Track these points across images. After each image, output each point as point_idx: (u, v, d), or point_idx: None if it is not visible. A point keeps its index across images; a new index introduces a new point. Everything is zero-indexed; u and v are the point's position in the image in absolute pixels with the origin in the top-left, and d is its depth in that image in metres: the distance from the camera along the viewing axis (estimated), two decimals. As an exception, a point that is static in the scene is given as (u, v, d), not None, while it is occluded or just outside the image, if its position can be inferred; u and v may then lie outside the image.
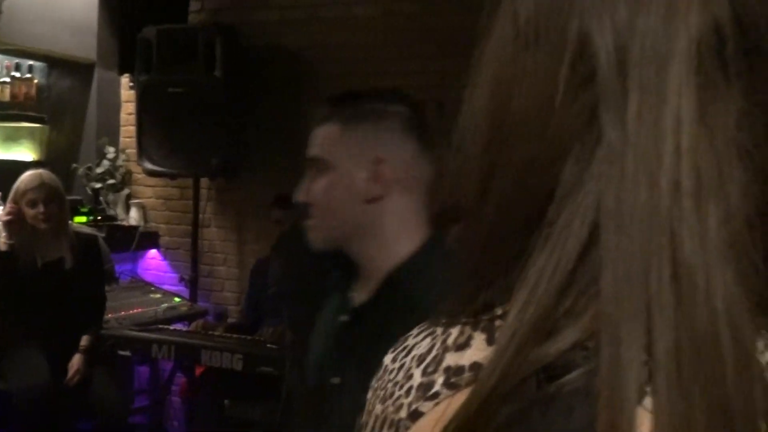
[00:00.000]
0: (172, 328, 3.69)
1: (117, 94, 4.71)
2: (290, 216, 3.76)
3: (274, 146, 4.35)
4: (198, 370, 3.75)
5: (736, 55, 0.43)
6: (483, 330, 0.47)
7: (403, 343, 0.53)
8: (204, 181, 4.30)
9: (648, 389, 0.40)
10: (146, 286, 4.21)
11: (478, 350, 0.47)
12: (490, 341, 0.46)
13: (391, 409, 0.49)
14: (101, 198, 4.48)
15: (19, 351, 3.24)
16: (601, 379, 0.40)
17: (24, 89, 4.28)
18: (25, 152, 4.44)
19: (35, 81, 4.36)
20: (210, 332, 3.51)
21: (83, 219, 4.14)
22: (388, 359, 0.53)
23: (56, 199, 3.35)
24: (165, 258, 4.63)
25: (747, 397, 0.40)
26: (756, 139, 0.44)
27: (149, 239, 4.56)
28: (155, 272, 4.61)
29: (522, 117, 0.46)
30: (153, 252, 4.63)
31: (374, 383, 0.53)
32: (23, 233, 3.29)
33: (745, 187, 0.43)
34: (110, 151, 4.51)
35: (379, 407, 0.51)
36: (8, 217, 3.27)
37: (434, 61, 4.02)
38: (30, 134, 4.46)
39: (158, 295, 4.10)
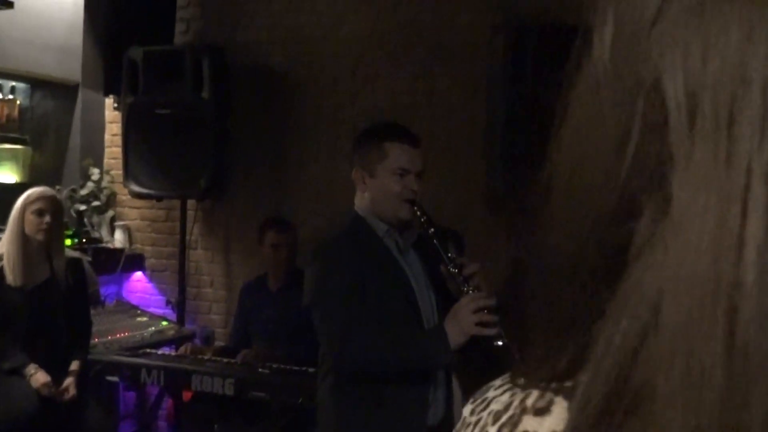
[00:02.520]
0: (159, 352, 3.63)
1: (101, 115, 4.66)
2: (287, 238, 3.73)
3: (261, 167, 4.33)
4: (186, 394, 3.70)
5: None
6: (566, 397, 0.45)
7: (483, 394, 0.51)
8: (191, 203, 4.26)
9: None
10: (132, 309, 4.15)
11: (560, 419, 0.45)
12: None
13: None
14: (86, 220, 4.43)
15: (7, 377, 3.17)
16: None
17: (6, 110, 4.24)
18: (8, 174, 4.37)
19: (18, 102, 4.31)
20: (200, 356, 3.45)
21: (68, 242, 4.07)
22: (467, 411, 0.51)
23: (60, 217, 3.36)
24: (151, 280, 4.57)
25: None
26: None
27: (135, 261, 4.50)
28: (141, 295, 4.55)
29: (597, 165, 0.44)
30: (138, 274, 4.57)
31: None
32: (19, 251, 3.25)
33: None
34: (95, 172, 4.46)
35: None
36: None
37: (421, 79, 4.03)
38: (13, 156, 4.39)
39: (145, 319, 4.04)
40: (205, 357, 3.44)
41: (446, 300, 2.18)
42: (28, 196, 3.30)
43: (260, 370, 3.19)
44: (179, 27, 4.51)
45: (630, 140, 0.42)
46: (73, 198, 4.40)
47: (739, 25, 0.40)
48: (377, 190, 2.21)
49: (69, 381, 3.24)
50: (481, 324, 1.98)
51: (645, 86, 0.42)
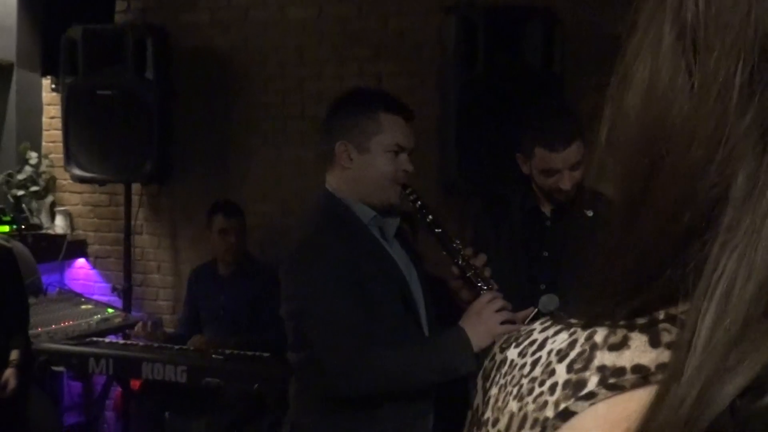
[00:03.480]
0: (107, 340, 3.54)
1: (38, 97, 4.49)
2: (235, 223, 3.68)
3: (206, 149, 4.25)
4: (135, 383, 3.62)
5: None
6: (643, 332, 0.45)
7: (527, 337, 0.50)
8: (135, 187, 4.15)
9: None
10: (76, 298, 4.03)
11: (641, 352, 0.45)
12: (654, 344, 0.45)
13: (531, 407, 0.47)
14: (24, 206, 4.27)
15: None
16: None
17: (-65, 91, 4.04)
18: (-62, 158, 4.19)
19: (-52, 83, 4.12)
20: (151, 341, 3.38)
21: (5, 228, 3.93)
22: (512, 354, 0.50)
23: None
24: (94, 267, 4.45)
25: None
26: None
27: (77, 248, 4.37)
28: (84, 282, 4.43)
29: (689, 123, 0.43)
30: (81, 261, 4.45)
31: (497, 378, 0.50)
32: None
33: None
34: (32, 156, 4.30)
35: (514, 404, 0.48)
36: None
37: (370, 64, 4.01)
38: (-57, 140, 4.21)
39: (89, 306, 3.93)
40: (156, 344, 3.37)
41: (430, 294, 1.98)
42: None
43: (214, 356, 3.15)
44: (119, 5, 4.38)
45: (732, 93, 0.41)
46: (9, 183, 4.24)
47: None
48: (366, 168, 1.91)
49: (9, 372, 3.13)
50: (507, 322, 1.78)
51: (749, 40, 0.41)
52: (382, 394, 1.81)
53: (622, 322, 0.46)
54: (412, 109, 2.01)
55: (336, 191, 1.95)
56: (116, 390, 3.91)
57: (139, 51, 3.86)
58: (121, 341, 3.57)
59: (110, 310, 3.94)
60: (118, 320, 3.89)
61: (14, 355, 3.17)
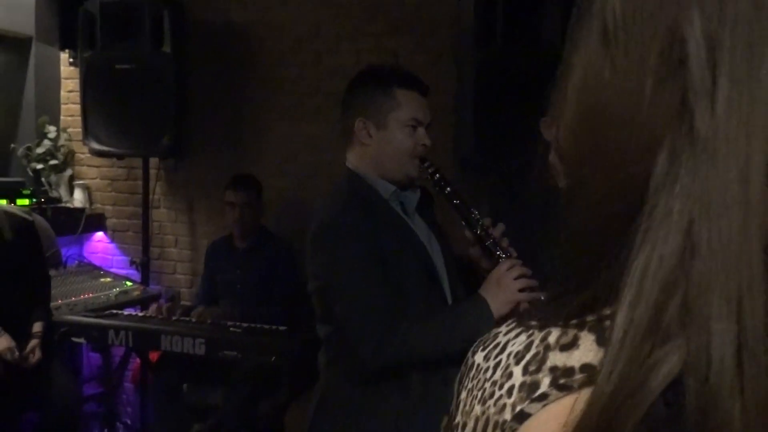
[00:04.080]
0: (126, 313, 3.59)
1: (57, 71, 4.51)
2: (244, 197, 3.70)
3: (224, 124, 4.26)
4: (153, 355, 3.68)
5: None
6: (591, 330, 0.46)
7: (494, 340, 0.52)
8: (153, 161, 4.18)
9: (737, 375, 0.40)
10: (95, 270, 4.08)
11: (588, 351, 0.46)
12: (600, 342, 0.45)
13: (493, 409, 0.48)
14: (43, 179, 4.31)
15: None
16: (691, 365, 0.40)
17: (-45, 65, 4.07)
18: (-42, 132, 4.23)
19: (-33, 56, 4.14)
20: (169, 315, 3.43)
21: (25, 201, 3.97)
22: (479, 357, 0.52)
23: None
24: (113, 241, 4.50)
25: None
26: None
27: (95, 221, 4.41)
28: (103, 255, 4.48)
29: (613, 109, 0.46)
30: (99, 235, 4.49)
31: (466, 382, 0.52)
32: None
33: None
34: (51, 130, 4.33)
35: (478, 408, 0.49)
36: None
37: (387, 39, 3.99)
38: (-36, 113, 4.24)
39: (108, 279, 3.98)
40: (174, 317, 3.41)
41: (454, 267, 2.00)
42: None
43: (231, 329, 3.18)
44: (136, -21, 4.36)
45: (647, 80, 0.44)
46: (29, 156, 4.28)
47: None
48: (385, 144, 1.94)
49: (33, 343, 3.19)
50: (526, 290, 1.78)
51: (661, 29, 0.44)
52: (410, 366, 1.84)
53: (574, 321, 0.47)
54: (427, 84, 2.02)
55: (356, 168, 1.98)
56: (135, 361, 3.97)
57: (156, 25, 3.85)
58: (140, 314, 3.61)
59: (128, 283, 3.99)
60: (136, 293, 3.93)
61: (37, 327, 3.23)
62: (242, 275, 3.72)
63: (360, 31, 4.04)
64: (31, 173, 4.28)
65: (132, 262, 4.22)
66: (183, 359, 3.30)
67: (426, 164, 1.96)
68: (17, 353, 3.11)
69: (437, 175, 1.95)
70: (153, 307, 3.56)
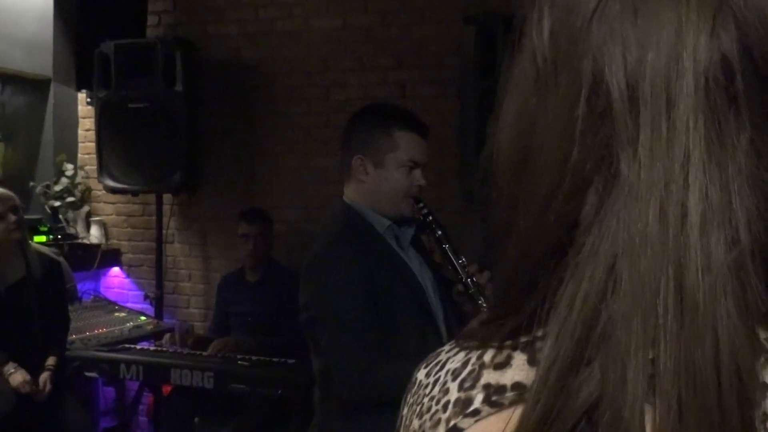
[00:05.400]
0: (138, 347, 3.64)
1: (74, 110, 4.63)
2: (256, 229, 3.76)
3: (235, 159, 4.33)
4: (166, 388, 3.71)
5: (747, 86, 0.45)
6: (523, 351, 0.49)
7: (436, 358, 0.54)
8: (167, 197, 4.26)
9: (648, 411, 0.42)
10: (110, 305, 4.15)
11: (520, 370, 0.48)
12: (531, 362, 0.48)
13: (428, 423, 0.50)
14: (60, 216, 4.40)
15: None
16: (606, 403, 0.42)
17: (-23, 107, 4.19)
18: (-20, 171, 4.34)
19: (-12, 98, 4.27)
20: (182, 347, 3.47)
21: (43, 238, 4.06)
22: (421, 374, 0.54)
23: (19, 209, 3.30)
24: (128, 276, 4.57)
25: (743, 423, 0.42)
26: None
27: (111, 257, 4.49)
28: (118, 290, 4.55)
29: (543, 151, 0.48)
30: (115, 270, 4.57)
31: (408, 398, 0.54)
32: None
33: (754, 213, 0.45)
34: (68, 168, 4.44)
35: (416, 422, 0.51)
36: None
37: (394, 73, 4.06)
38: (-15, 153, 4.36)
39: (123, 314, 4.04)
40: (186, 347, 3.46)
41: (448, 300, 2.01)
42: None
43: (239, 362, 3.21)
44: (151, 20, 4.49)
45: (576, 126, 0.47)
46: (47, 194, 4.38)
47: (670, 22, 0.46)
48: (381, 182, 1.97)
49: (45, 376, 3.24)
50: None
51: (587, 78, 0.47)
52: (386, 405, 1.84)
53: (508, 342, 0.50)
54: (426, 125, 2.05)
55: (353, 202, 2.01)
56: (149, 395, 4.01)
57: (169, 64, 3.96)
58: (152, 347, 3.65)
59: (143, 318, 4.05)
60: (150, 327, 3.99)
61: (51, 360, 3.29)
62: (253, 308, 3.76)
63: (367, 65, 4.11)
64: (49, 210, 4.37)
65: (146, 297, 4.28)
66: (194, 392, 3.34)
67: (420, 205, 1.99)
68: (33, 386, 3.16)
69: (430, 217, 1.97)
70: (166, 336, 3.60)
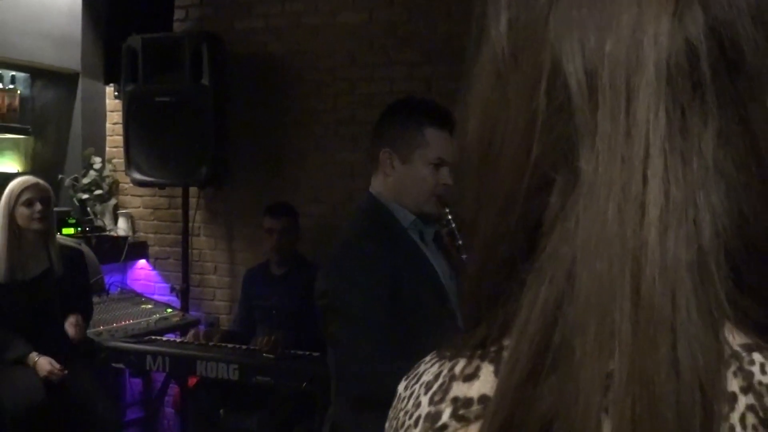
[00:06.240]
0: (165, 338, 3.67)
1: (102, 104, 4.68)
2: (281, 223, 3.77)
3: (261, 153, 4.35)
4: (192, 380, 3.74)
5: (714, 73, 0.42)
6: (491, 361, 0.47)
7: (416, 370, 0.52)
8: (193, 190, 4.29)
9: (604, 419, 0.40)
10: (136, 297, 4.19)
11: (486, 382, 0.46)
12: (497, 372, 0.46)
13: None
14: (88, 209, 4.45)
15: (11, 368, 3.19)
16: (563, 417, 0.40)
17: (7, 100, 4.24)
18: (9, 164, 4.40)
19: (18, 92, 4.32)
20: (207, 341, 3.48)
21: (71, 230, 4.10)
22: (401, 387, 0.52)
23: (50, 202, 3.34)
24: (154, 268, 4.61)
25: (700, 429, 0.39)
26: (737, 157, 0.43)
27: (138, 249, 4.53)
28: (144, 282, 4.59)
29: (504, 148, 0.46)
30: (142, 262, 4.61)
31: (390, 413, 0.53)
32: (12, 245, 3.25)
33: (720, 208, 0.42)
34: (96, 161, 4.48)
35: None
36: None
37: (420, 68, 4.04)
38: (14, 146, 4.42)
39: (149, 306, 4.08)
40: (211, 342, 3.48)
41: None
42: (13, 189, 3.24)
43: (264, 354, 3.22)
44: (178, 14, 4.52)
45: (537, 120, 0.44)
46: (75, 187, 4.43)
47: (630, 4, 0.43)
48: (407, 178, 1.97)
49: (72, 320, 3.24)
50: None
51: (545, 69, 0.44)
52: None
53: (479, 352, 0.47)
54: (454, 121, 2.01)
55: (379, 195, 2.01)
56: (175, 387, 4.04)
57: (196, 58, 3.98)
58: (178, 339, 3.68)
59: (169, 310, 4.08)
60: (176, 319, 4.02)
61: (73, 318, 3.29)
62: (278, 301, 3.77)
63: (393, 60, 4.10)
64: (77, 203, 4.42)
65: (173, 289, 4.31)
66: (219, 385, 3.36)
67: (447, 210, 1.96)
68: (60, 371, 3.17)
69: (453, 225, 1.94)
70: (190, 333, 3.63)
